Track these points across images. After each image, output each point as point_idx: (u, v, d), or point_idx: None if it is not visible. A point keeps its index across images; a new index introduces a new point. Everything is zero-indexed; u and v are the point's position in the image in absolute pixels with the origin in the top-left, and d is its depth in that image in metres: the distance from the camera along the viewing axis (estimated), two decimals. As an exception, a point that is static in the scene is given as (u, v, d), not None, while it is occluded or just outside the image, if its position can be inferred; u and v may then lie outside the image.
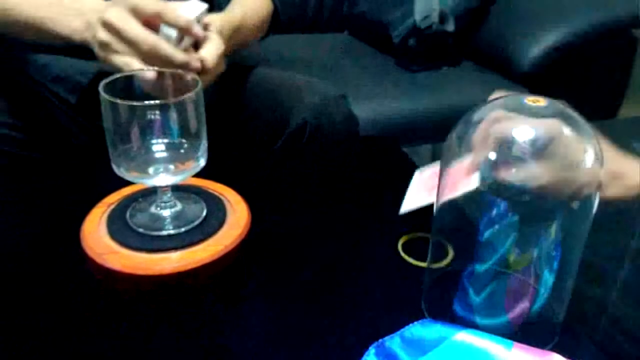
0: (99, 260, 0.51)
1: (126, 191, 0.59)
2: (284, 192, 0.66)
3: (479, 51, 1.55)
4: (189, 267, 0.50)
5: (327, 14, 1.78)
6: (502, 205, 0.44)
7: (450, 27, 1.44)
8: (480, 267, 0.47)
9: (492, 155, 0.43)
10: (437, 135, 1.36)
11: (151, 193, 0.57)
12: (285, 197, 0.65)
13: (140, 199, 0.57)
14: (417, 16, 1.43)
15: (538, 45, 1.43)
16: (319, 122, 0.82)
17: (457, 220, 0.49)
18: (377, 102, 1.34)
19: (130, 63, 0.59)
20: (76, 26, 0.65)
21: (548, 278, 0.46)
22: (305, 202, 0.64)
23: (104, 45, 0.61)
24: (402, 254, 0.55)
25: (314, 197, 0.65)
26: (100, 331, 0.45)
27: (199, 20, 0.65)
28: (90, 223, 0.55)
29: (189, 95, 0.49)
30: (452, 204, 0.47)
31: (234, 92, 0.87)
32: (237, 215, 0.57)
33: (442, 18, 1.44)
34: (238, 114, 0.86)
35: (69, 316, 0.47)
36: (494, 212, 0.44)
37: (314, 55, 1.57)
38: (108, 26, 0.61)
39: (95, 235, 0.53)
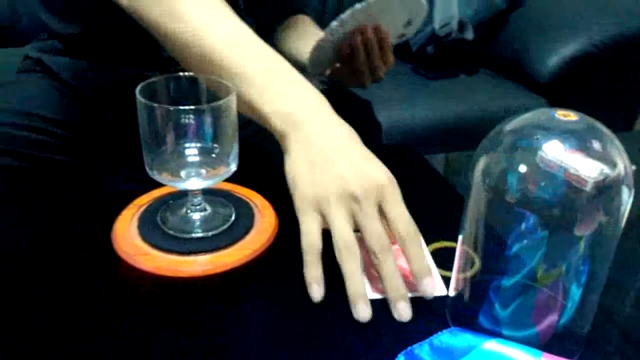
0: (130, 261, 0.51)
1: (156, 193, 0.60)
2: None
3: (496, 60, 1.55)
4: (219, 270, 0.51)
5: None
6: (532, 219, 0.44)
7: (469, 35, 1.45)
8: (508, 281, 0.47)
9: (522, 169, 0.44)
10: (454, 143, 1.37)
11: (181, 195, 0.58)
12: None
13: (170, 201, 0.58)
14: (436, 24, 1.44)
15: (556, 56, 1.43)
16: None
17: (484, 231, 0.49)
18: (393, 109, 1.35)
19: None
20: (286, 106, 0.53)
21: (576, 292, 0.46)
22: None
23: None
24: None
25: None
26: (130, 331, 0.46)
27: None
28: (122, 224, 0.56)
29: (225, 101, 0.50)
30: (480, 215, 0.47)
31: None
32: (265, 220, 0.57)
33: (461, 26, 1.45)
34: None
35: (99, 315, 0.48)
36: (523, 226, 0.45)
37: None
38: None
39: (127, 236, 0.54)
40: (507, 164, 0.44)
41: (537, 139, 0.44)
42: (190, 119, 0.50)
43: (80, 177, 0.69)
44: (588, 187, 0.43)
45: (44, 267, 0.53)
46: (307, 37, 0.88)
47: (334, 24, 0.79)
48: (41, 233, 0.58)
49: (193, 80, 0.53)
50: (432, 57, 1.47)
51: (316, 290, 0.48)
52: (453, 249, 0.58)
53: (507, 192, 0.44)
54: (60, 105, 0.81)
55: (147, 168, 0.53)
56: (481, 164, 0.46)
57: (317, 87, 0.89)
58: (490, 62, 1.56)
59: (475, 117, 1.39)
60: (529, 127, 0.45)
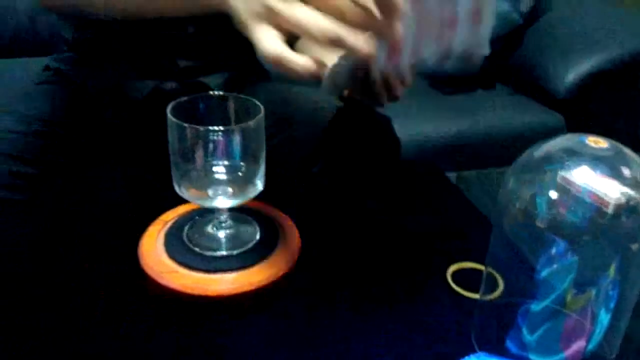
0: (157, 278, 0.52)
1: (182, 209, 0.61)
2: (331, 216, 0.67)
3: (513, 75, 1.55)
4: (245, 289, 0.51)
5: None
6: (562, 244, 0.44)
7: (485, 50, 1.45)
8: (537, 306, 0.47)
9: (553, 194, 0.43)
10: (468, 160, 1.37)
11: (207, 212, 0.58)
12: (333, 221, 0.66)
13: (197, 218, 0.59)
14: (453, 39, 1.44)
15: (573, 72, 1.43)
16: (364, 144, 0.83)
17: (511, 254, 0.49)
18: (409, 123, 1.35)
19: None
20: None
21: (604, 317, 0.46)
22: (352, 227, 0.65)
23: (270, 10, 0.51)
24: (452, 284, 0.56)
25: (360, 222, 0.66)
26: (157, 348, 0.46)
27: None
28: (148, 240, 0.56)
29: (254, 121, 0.50)
30: (507, 236, 0.47)
31: (276, 113, 0.89)
32: (289, 238, 0.57)
33: (478, 41, 1.45)
34: (279, 133, 0.88)
35: (125, 331, 0.48)
36: (553, 251, 0.45)
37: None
38: None
39: (153, 253, 0.54)
40: (537, 188, 0.44)
41: (568, 164, 0.44)
42: (219, 139, 0.50)
43: (105, 190, 0.70)
44: (610, 209, 0.43)
45: (70, 282, 0.53)
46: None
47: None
48: (67, 246, 0.58)
49: (222, 99, 0.54)
50: (449, 71, 1.47)
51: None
52: (476, 270, 0.58)
53: (537, 217, 0.44)
54: (79, 113, 0.81)
55: (175, 185, 0.53)
56: (511, 187, 0.46)
57: (334, 105, 0.90)
58: (506, 77, 1.56)
59: (491, 132, 1.39)
60: (559, 152, 0.45)
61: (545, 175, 0.44)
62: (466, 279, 0.57)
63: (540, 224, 0.44)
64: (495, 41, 1.49)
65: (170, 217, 0.60)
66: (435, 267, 0.58)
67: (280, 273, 0.53)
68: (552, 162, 0.45)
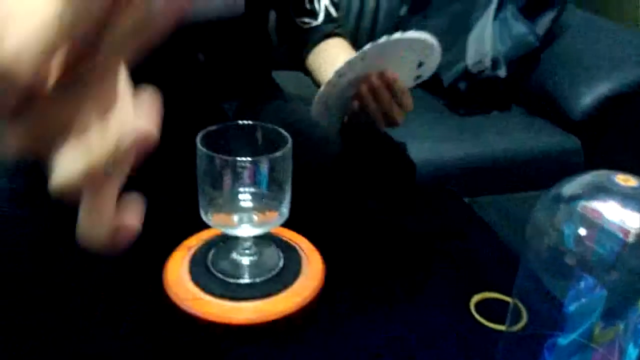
0: (182, 306, 0.52)
1: (204, 235, 0.61)
2: (354, 241, 0.67)
3: (529, 97, 1.55)
4: (270, 318, 0.52)
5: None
6: (590, 279, 0.44)
7: (502, 72, 1.45)
8: (564, 340, 0.47)
9: (582, 231, 0.44)
10: (484, 183, 1.37)
11: (231, 238, 0.58)
12: (356, 246, 0.66)
13: (221, 244, 0.59)
14: (469, 61, 1.45)
15: (590, 94, 1.43)
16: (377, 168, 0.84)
17: (538, 287, 0.49)
18: (424, 145, 1.35)
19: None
20: None
21: (632, 352, 0.46)
22: (373, 253, 0.65)
23: None
24: (475, 314, 0.56)
25: (381, 248, 0.66)
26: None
27: None
28: (173, 267, 0.56)
29: (282, 152, 0.51)
30: (533, 269, 0.47)
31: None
32: (313, 265, 0.58)
33: (494, 63, 1.45)
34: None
35: (148, 355, 0.49)
36: (582, 285, 0.44)
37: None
38: None
39: (178, 279, 0.55)
40: (565, 223, 0.45)
41: (597, 200, 0.44)
42: (247, 168, 0.51)
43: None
44: (631, 238, 0.43)
45: (95, 305, 0.54)
46: (327, 66, 0.88)
47: (332, 76, 0.78)
48: (91, 270, 0.59)
49: (250, 128, 0.55)
50: (464, 93, 1.47)
51: None
52: (499, 301, 0.58)
53: (565, 252, 0.44)
54: None
55: (201, 212, 0.54)
56: (539, 221, 0.46)
57: (336, 132, 0.89)
58: (522, 99, 1.56)
59: (506, 155, 1.39)
60: (587, 188, 0.45)
61: (574, 211, 0.44)
62: (490, 309, 0.57)
63: (568, 259, 0.44)
64: (511, 63, 1.49)
65: (193, 242, 0.60)
66: (457, 297, 0.58)
67: (306, 301, 0.53)
68: (581, 197, 0.45)
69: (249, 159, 0.50)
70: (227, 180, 0.52)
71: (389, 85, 0.79)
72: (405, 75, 0.82)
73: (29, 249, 0.57)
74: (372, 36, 1.80)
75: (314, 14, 0.96)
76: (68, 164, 0.25)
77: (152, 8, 0.23)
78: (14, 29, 0.21)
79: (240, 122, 0.54)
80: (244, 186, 0.53)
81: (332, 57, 0.91)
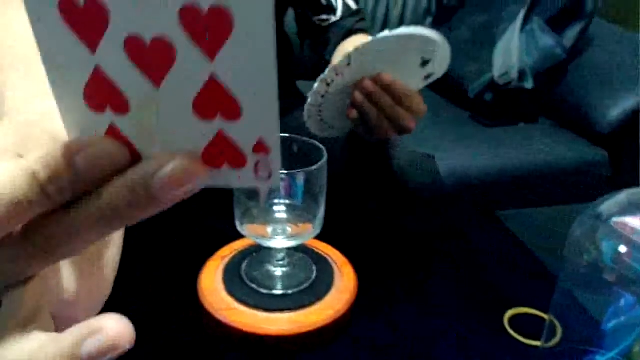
0: (217, 315, 0.53)
1: (237, 245, 0.62)
2: (382, 254, 0.67)
3: (556, 109, 1.54)
4: (304, 329, 0.52)
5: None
6: (630, 299, 0.44)
7: (528, 84, 1.45)
8: (602, 357, 0.46)
9: (622, 249, 0.43)
10: (510, 196, 1.36)
11: (263, 249, 0.59)
12: (384, 260, 0.66)
13: (254, 254, 0.60)
14: (496, 72, 1.44)
15: (617, 107, 1.42)
16: (407, 182, 0.83)
17: (572, 301, 0.49)
18: (449, 155, 1.34)
19: None
20: None
21: (672, 372, 0.45)
22: (405, 267, 0.65)
23: None
24: (510, 330, 0.55)
25: (412, 262, 0.66)
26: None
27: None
28: (207, 276, 0.57)
29: (317, 166, 0.51)
30: (571, 286, 0.47)
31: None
32: (345, 278, 0.58)
33: (521, 75, 1.45)
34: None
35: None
36: (621, 303, 0.44)
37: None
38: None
39: (212, 289, 0.55)
40: (605, 242, 0.44)
41: (635, 218, 0.43)
42: (283, 181, 0.52)
43: (161, 221, 0.72)
44: None
45: (128, 314, 0.55)
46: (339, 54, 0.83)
47: (317, 85, 0.70)
48: (125, 277, 0.60)
49: (286, 141, 0.55)
50: (490, 104, 1.47)
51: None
52: (533, 316, 0.57)
53: (604, 270, 0.44)
54: None
55: (236, 223, 0.54)
56: (577, 239, 0.46)
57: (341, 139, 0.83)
58: (549, 111, 1.55)
59: (533, 167, 1.38)
60: (627, 206, 0.45)
61: (613, 228, 0.44)
62: (523, 324, 0.56)
63: (607, 276, 0.43)
64: (538, 75, 1.49)
65: (227, 252, 0.61)
66: (491, 311, 0.58)
67: (339, 314, 0.54)
68: (620, 214, 0.45)
69: (285, 172, 0.51)
70: (263, 192, 0.52)
71: (388, 89, 0.71)
72: (408, 76, 0.74)
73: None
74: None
75: (332, 10, 0.92)
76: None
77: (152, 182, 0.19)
78: None
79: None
80: (279, 198, 0.54)
81: None
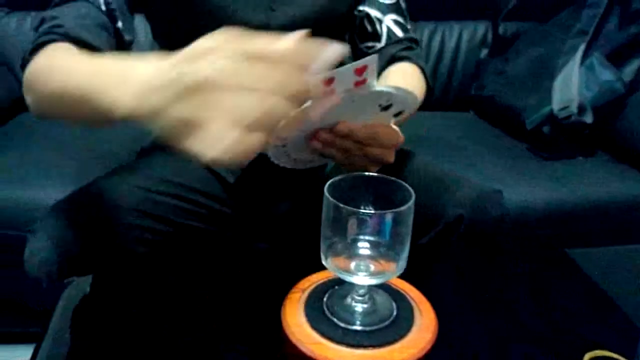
0: (303, 349, 0.54)
1: (316, 277, 0.63)
2: (461, 293, 0.67)
3: (615, 143, 1.52)
4: (388, 367, 0.53)
5: (454, 93, 1.82)
6: None
7: (588, 118, 1.43)
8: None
9: None
10: (569, 232, 1.34)
11: (344, 283, 0.60)
12: (461, 298, 0.66)
13: (335, 287, 0.61)
14: (555, 106, 1.43)
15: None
16: (475, 218, 0.83)
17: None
18: (507, 188, 1.33)
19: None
20: (117, 96, 0.50)
21: None
22: (482, 307, 0.65)
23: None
24: (591, 376, 0.55)
25: (489, 302, 0.66)
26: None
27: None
28: (290, 309, 0.59)
29: (405, 207, 0.52)
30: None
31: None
32: (425, 316, 0.59)
33: (580, 109, 1.43)
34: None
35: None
36: None
37: (439, 134, 1.59)
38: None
39: (297, 322, 0.57)
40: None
41: None
42: (371, 220, 0.53)
43: (240, 251, 0.74)
44: None
45: (215, 343, 0.57)
46: None
47: (272, 140, 0.56)
48: (209, 305, 0.62)
49: (374, 180, 0.57)
50: (549, 137, 1.46)
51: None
52: (611, 359, 0.57)
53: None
54: (205, 177, 0.87)
55: (322, 256, 0.56)
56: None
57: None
58: (608, 145, 1.53)
59: (591, 202, 1.35)
60: None
61: None
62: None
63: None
64: (597, 109, 1.47)
65: (306, 285, 0.62)
66: (570, 353, 0.58)
67: (420, 354, 0.54)
68: None
69: (374, 211, 0.52)
70: (350, 229, 0.54)
71: (347, 137, 0.65)
72: (373, 119, 0.67)
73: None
74: (450, 77, 1.81)
75: (377, 37, 0.93)
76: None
77: None
78: None
79: (366, 173, 0.57)
80: (366, 235, 0.55)
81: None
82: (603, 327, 0.63)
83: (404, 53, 0.93)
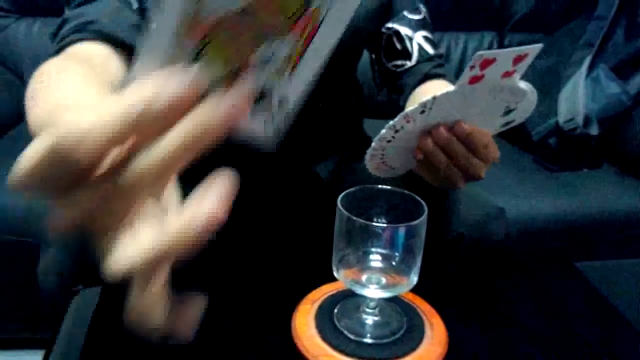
0: (313, 360, 0.54)
1: (326, 289, 0.63)
2: (467, 306, 0.67)
3: (621, 155, 1.52)
4: (399, 380, 0.53)
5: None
6: None
7: (594, 130, 1.43)
8: None
9: None
10: (575, 246, 1.33)
11: (355, 295, 0.60)
12: (470, 312, 0.66)
13: (346, 299, 0.61)
14: (561, 118, 1.44)
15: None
16: (478, 237, 0.83)
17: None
18: (512, 200, 1.33)
19: None
20: None
21: None
22: (490, 319, 0.65)
23: None
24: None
25: (498, 315, 0.66)
26: None
27: None
28: (300, 321, 0.59)
29: (419, 220, 0.52)
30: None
31: None
32: (435, 330, 0.59)
33: (586, 121, 1.44)
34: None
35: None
36: None
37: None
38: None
39: (307, 334, 0.57)
40: None
41: None
42: (383, 233, 0.53)
43: (253, 262, 0.74)
44: None
45: (227, 354, 0.57)
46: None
47: (383, 132, 0.64)
48: (221, 315, 0.62)
49: (388, 193, 0.57)
50: (555, 149, 1.46)
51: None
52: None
53: None
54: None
55: (333, 267, 0.56)
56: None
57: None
58: (614, 157, 1.53)
59: (598, 214, 1.35)
60: None
61: None
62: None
63: None
64: (603, 121, 1.47)
65: (317, 296, 0.62)
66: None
67: (432, 367, 0.54)
68: None
69: (386, 224, 0.52)
70: (363, 242, 0.54)
71: (465, 139, 0.64)
72: (487, 124, 0.68)
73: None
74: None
75: (407, 55, 0.88)
76: (132, 247, 0.26)
77: (214, 114, 0.24)
78: (71, 116, 0.24)
79: (380, 186, 0.57)
80: (378, 248, 0.55)
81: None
82: (614, 340, 0.63)
83: (438, 70, 0.89)
